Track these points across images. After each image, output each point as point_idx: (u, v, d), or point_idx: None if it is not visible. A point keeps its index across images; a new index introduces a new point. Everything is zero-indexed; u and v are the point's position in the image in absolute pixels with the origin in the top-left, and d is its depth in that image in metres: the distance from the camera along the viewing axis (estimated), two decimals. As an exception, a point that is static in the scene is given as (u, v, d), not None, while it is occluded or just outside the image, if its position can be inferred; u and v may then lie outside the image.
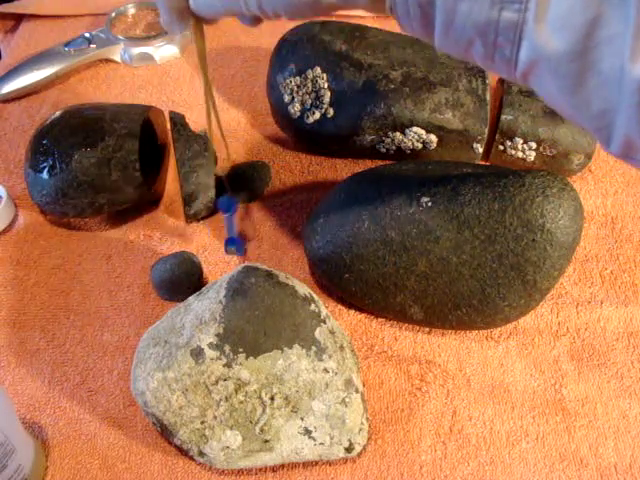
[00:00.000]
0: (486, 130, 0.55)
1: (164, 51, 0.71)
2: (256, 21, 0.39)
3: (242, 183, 0.57)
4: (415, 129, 0.55)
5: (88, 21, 0.76)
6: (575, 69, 0.28)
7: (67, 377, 0.48)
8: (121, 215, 0.57)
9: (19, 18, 0.78)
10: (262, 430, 0.41)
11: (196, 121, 0.63)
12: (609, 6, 0.26)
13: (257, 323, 0.41)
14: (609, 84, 0.27)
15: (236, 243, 0.53)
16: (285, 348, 0.40)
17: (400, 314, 0.48)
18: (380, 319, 0.50)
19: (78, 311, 0.52)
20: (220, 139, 0.48)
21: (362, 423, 0.42)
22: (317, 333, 0.42)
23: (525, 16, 0.28)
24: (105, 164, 0.52)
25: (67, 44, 0.69)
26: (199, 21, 0.42)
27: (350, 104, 0.56)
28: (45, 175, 0.52)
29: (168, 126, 0.58)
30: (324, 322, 0.42)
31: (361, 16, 0.72)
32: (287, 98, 0.58)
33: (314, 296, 0.44)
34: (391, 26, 0.72)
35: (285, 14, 0.35)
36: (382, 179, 0.49)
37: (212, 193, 0.54)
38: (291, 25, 0.61)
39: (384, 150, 0.58)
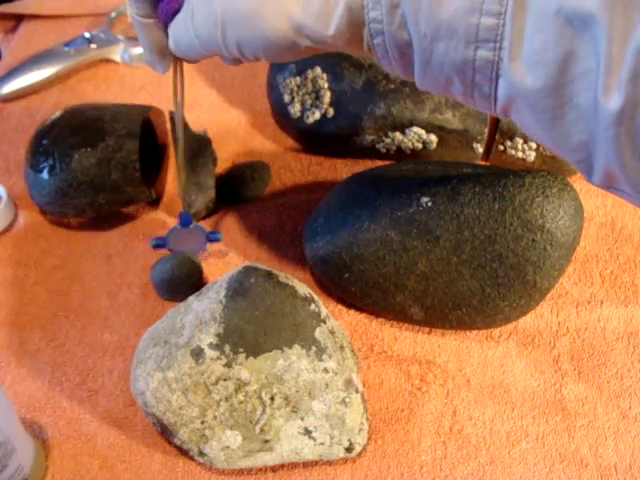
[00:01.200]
0: (486, 130, 0.56)
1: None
2: (237, 62, 0.39)
3: (242, 183, 0.57)
4: (415, 129, 0.55)
5: (88, 21, 0.76)
6: (552, 104, 0.28)
7: (67, 377, 0.48)
8: (121, 215, 0.57)
9: (19, 18, 0.78)
10: (262, 430, 0.41)
11: (196, 121, 0.63)
12: (581, 42, 0.26)
13: (257, 323, 0.41)
14: (586, 118, 0.28)
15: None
16: (285, 348, 0.40)
17: (400, 314, 0.48)
18: (380, 319, 0.50)
19: (78, 311, 0.52)
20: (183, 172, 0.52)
21: (362, 423, 0.42)
22: (317, 333, 0.42)
23: (500, 54, 0.29)
24: (105, 164, 0.52)
25: (67, 44, 0.69)
26: (180, 60, 0.42)
27: (350, 104, 0.56)
28: (45, 175, 0.52)
29: (168, 126, 0.58)
30: (324, 322, 0.42)
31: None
32: (287, 98, 0.58)
33: (314, 296, 0.44)
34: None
35: (265, 57, 0.36)
36: (382, 179, 0.49)
37: (212, 193, 0.54)
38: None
39: (384, 150, 0.58)
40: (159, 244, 0.52)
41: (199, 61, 0.41)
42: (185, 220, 0.52)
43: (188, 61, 0.42)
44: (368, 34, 0.32)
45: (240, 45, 0.35)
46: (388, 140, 0.57)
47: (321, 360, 0.41)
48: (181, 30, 0.38)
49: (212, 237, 0.53)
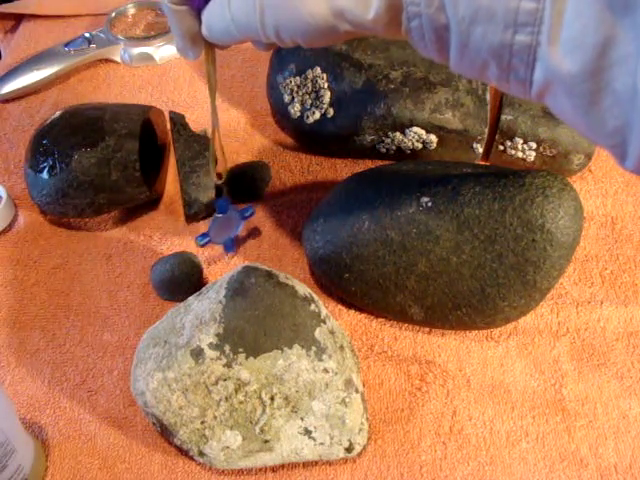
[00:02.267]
0: (486, 130, 0.56)
1: (164, 51, 0.71)
2: (270, 47, 0.39)
3: (242, 183, 0.57)
4: (415, 129, 0.55)
5: (88, 21, 0.76)
6: (589, 89, 0.28)
7: (67, 377, 0.48)
8: (121, 215, 0.57)
9: (19, 18, 0.78)
10: (262, 430, 0.41)
11: (196, 121, 0.63)
12: (621, 27, 0.26)
13: (257, 323, 0.41)
14: (623, 103, 0.28)
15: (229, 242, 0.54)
16: (285, 348, 0.40)
17: (400, 314, 0.48)
18: (380, 319, 0.50)
19: (78, 311, 0.52)
20: (221, 153, 0.51)
21: (362, 423, 0.42)
22: (317, 333, 0.42)
23: (538, 38, 0.29)
24: (105, 164, 0.52)
25: (67, 44, 0.69)
26: (212, 47, 0.42)
27: (350, 104, 0.56)
28: (45, 175, 0.52)
29: (168, 126, 0.58)
30: (324, 322, 0.42)
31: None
32: (287, 98, 0.58)
33: (314, 296, 0.44)
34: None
35: (303, 42, 0.35)
36: (382, 179, 0.49)
37: (212, 193, 0.54)
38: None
39: (384, 150, 0.58)
40: (205, 241, 0.52)
41: (231, 46, 0.41)
42: (222, 207, 0.52)
43: (220, 47, 0.42)
44: (406, 17, 0.32)
45: (278, 29, 0.35)
46: (388, 140, 0.57)
47: (321, 360, 0.41)
48: (216, 15, 0.38)
49: (246, 214, 0.52)
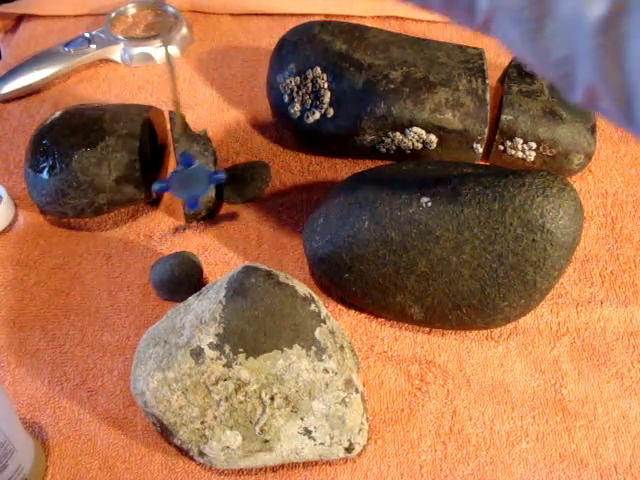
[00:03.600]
0: (486, 130, 0.55)
1: (164, 51, 0.71)
2: None
3: (242, 183, 0.57)
4: (415, 129, 0.55)
5: (88, 21, 0.76)
6: (533, 14, 0.27)
7: (67, 377, 0.48)
8: (121, 215, 0.57)
9: (19, 18, 0.78)
10: (262, 430, 0.41)
11: (196, 121, 0.63)
12: None
13: (257, 323, 0.41)
14: (567, 30, 0.27)
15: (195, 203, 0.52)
16: (285, 348, 0.40)
17: (400, 314, 0.48)
18: (380, 319, 0.50)
19: (78, 311, 0.52)
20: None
21: (362, 423, 0.42)
22: (317, 333, 0.42)
23: None
24: (105, 164, 0.52)
25: (67, 44, 0.69)
26: None
27: (350, 104, 0.56)
28: (45, 175, 0.52)
29: (168, 126, 0.58)
30: (324, 322, 0.42)
31: (361, 16, 0.72)
32: (287, 98, 0.58)
33: (314, 296, 0.44)
34: (391, 26, 0.72)
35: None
36: (382, 179, 0.49)
37: (212, 193, 0.54)
38: (291, 25, 0.61)
39: (384, 150, 0.58)
40: (162, 187, 0.50)
41: None
42: (186, 159, 0.50)
43: None
44: None
45: None
46: (388, 140, 0.57)
47: (321, 360, 0.41)
48: None
49: (215, 177, 0.50)
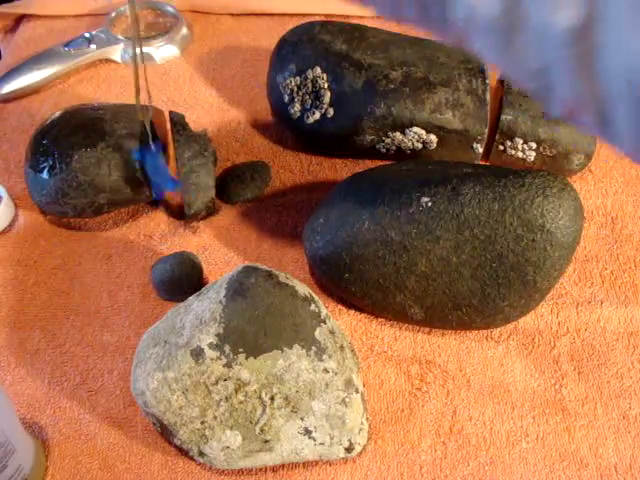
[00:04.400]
0: (486, 130, 0.55)
1: (164, 51, 0.71)
2: None
3: (242, 183, 0.57)
4: (415, 129, 0.55)
5: (88, 21, 0.76)
6: (506, 25, 0.27)
7: (67, 377, 0.48)
8: (121, 215, 0.57)
9: (19, 18, 0.78)
10: (262, 430, 0.41)
11: (196, 121, 0.64)
12: None
13: (257, 323, 0.41)
14: (539, 40, 0.26)
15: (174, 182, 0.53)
16: (285, 348, 0.40)
17: (400, 314, 0.48)
18: (380, 319, 0.50)
19: (78, 311, 0.52)
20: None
21: (362, 423, 0.42)
22: (317, 333, 0.42)
23: None
24: (105, 164, 0.52)
25: (67, 44, 0.69)
26: None
27: (350, 104, 0.56)
28: (45, 175, 0.52)
29: (168, 126, 0.58)
30: (324, 322, 0.42)
31: (361, 16, 0.72)
32: (287, 98, 0.58)
33: (314, 296, 0.44)
34: (391, 26, 0.72)
35: None
36: (382, 179, 0.49)
37: (212, 193, 0.54)
38: (291, 25, 0.61)
39: (384, 150, 0.58)
40: (138, 156, 0.51)
41: None
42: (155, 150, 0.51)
43: None
44: None
45: None
46: (388, 140, 0.57)
47: (321, 360, 0.41)
48: None
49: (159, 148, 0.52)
